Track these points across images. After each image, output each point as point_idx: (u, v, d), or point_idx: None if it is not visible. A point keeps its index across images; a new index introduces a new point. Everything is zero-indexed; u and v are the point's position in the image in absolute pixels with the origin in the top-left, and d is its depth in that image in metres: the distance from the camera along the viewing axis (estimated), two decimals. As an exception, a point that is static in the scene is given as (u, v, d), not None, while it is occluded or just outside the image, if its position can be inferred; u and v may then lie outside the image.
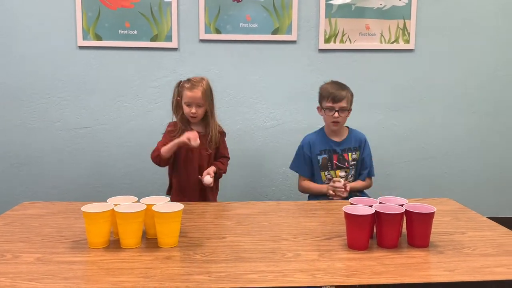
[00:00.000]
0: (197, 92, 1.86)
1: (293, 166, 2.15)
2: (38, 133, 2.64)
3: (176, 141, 1.79)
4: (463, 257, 1.22)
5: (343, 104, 1.98)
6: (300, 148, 2.12)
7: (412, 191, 2.72)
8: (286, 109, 2.69)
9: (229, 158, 2.08)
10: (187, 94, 1.87)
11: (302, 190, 2.12)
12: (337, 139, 2.08)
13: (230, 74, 2.64)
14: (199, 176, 1.89)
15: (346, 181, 1.99)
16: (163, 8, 2.57)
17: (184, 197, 1.94)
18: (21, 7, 2.55)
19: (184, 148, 1.88)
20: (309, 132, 2.16)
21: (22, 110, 2.62)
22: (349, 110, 2.03)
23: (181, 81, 1.95)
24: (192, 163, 1.94)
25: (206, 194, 1.98)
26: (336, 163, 2.05)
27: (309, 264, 1.17)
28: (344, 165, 2.05)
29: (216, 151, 2.02)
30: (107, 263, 1.17)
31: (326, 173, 2.06)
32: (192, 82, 1.89)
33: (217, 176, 1.98)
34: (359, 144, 2.09)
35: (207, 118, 1.96)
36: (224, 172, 2.04)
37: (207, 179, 1.85)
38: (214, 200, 2.04)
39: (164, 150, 1.82)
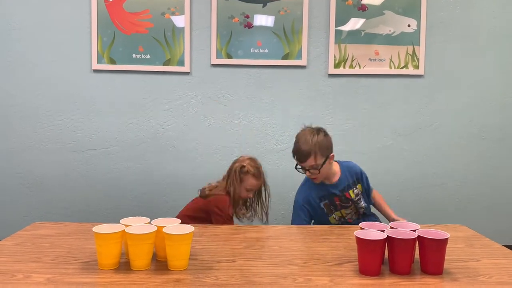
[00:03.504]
0: (260, 182, 1.97)
1: (294, 223, 1.95)
2: (51, 154, 2.68)
3: None
4: (478, 285, 1.19)
5: (310, 163, 1.84)
6: (297, 202, 1.97)
7: (423, 217, 2.68)
8: (296, 132, 2.69)
9: None
10: (252, 182, 1.95)
11: None
12: (331, 182, 1.94)
13: (241, 98, 2.68)
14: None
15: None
16: (176, 33, 2.63)
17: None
18: (38, 31, 2.63)
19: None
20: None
21: (35, 131, 2.67)
22: (325, 161, 1.85)
23: (244, 166, 1.95)
24: None
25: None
26: (339, 204, 1.94)
27: (321, 289, 1.15)
28: (348, 203, 1.95)
29: None
30: (117, 284, 1.17)
31: (334, 215, 1.96)
32: (258, 170, 1.97)
33: None
34: (356, 177, 1.99)
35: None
36: None
37: None
38: None
39: None
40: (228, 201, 1.92)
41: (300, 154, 1.85)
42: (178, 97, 2.67)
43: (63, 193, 2.69)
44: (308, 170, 1.87)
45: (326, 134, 1.90)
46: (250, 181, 1.93)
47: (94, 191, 2.69)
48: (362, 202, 1.99)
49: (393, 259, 1.26)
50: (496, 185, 2.76)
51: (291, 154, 2.67)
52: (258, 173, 1.95)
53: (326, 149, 1.86)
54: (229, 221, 1.89)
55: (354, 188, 1.97)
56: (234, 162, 2.00)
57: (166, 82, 2.67)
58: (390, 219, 1.97)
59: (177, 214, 1.96)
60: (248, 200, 2.02)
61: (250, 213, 2.02)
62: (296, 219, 1.96)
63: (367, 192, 2.04)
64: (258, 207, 2.02)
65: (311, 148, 1.82)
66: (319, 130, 1.89)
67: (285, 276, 1.23)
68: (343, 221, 1.99)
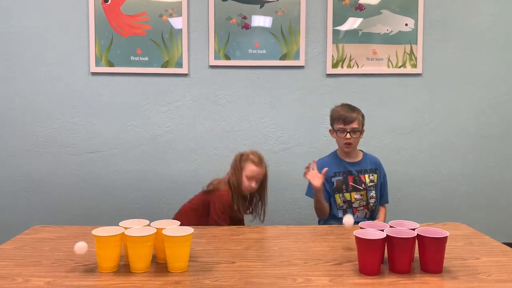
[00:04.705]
0: (261, 169, 1.91)
1: (309, 192, 2.09)
2: (50, 158, 2.68)
3: None
4: (478, 283, 1.19)
5: (354, 125, 1.98)
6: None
7: (422, 216, 2.68)
8: (295, 133, 2.71)
9: None
10: (253, 168, 1.90)
11: (316, 210, 2.04)
12: (352, 160, 2.06)
13: (239, 99, 2.68)
14: None
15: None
16: (174, 35, 2.63)
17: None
18: (37, 34, 2.63)
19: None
20: (319, 155, 2.15)
21: (34, 134, 2.67)
22: (361, 131, 2.02)
23: (244, 154, 1.96)
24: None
25: None
26: (352, 185, 2.01)
27: (320, 289, 1.15)
28: (361, 186, 2.01)
29: None
30: (116, 287, 1.17)
31: (341, 195, 2.02)
32: (259, 157, 1.93)
33: None
34: (375, 166, 2.08)
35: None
36: None
37: None
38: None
39: None
40: (227, 197, 1.88)
41: (347, 116, 1.98)
42: (177, 99, 2.67)
43: (62, 196, 2.69)
44: (349, 132, 1.96)
45: None
46: (250, 168, 1.90)
47: (94, 194, 2.69)
48: (373, 192, 2.03)
49: (392, 258, 1.27)
50: (495, 183, 2.76)
51: (290, 154, 2.71)
52: (259, 160, 1.92)
53: (364, 120, 2.05)
54: (223, 221, 1.86)
55: (370, 175, 2.05)
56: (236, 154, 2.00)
57: (164, 84, 2.67)
58: None
59: (181, 207, 1.95)
60: (250, 197, 1.99)
61: (251, 209, 1.98)
62: (310, 188, 2.04)
63: (381, 188, 2.08)
64: (259, 204, 1.97)
65: (358, 113, 2.01)
66: None
67: (285, 276, 1.23)
68: (347, 208, 2.01)
